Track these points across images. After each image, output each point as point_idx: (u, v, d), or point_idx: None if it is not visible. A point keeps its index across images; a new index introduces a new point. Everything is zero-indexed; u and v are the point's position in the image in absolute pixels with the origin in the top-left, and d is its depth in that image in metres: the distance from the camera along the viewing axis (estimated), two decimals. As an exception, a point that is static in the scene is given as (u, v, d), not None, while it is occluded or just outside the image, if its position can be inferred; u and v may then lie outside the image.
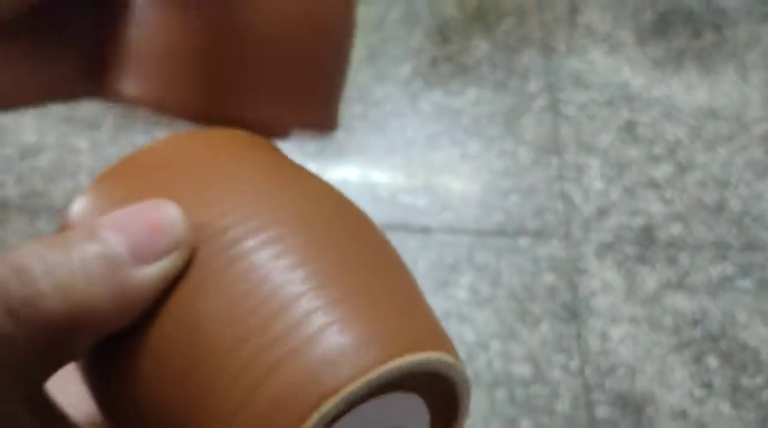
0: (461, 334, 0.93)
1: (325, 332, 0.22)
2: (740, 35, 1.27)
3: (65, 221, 0.25)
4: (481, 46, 1.20)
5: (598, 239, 1.02)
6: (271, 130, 0.31)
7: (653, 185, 1.07)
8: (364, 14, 1.23)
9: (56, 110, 1.09)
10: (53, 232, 0.98)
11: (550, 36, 1.23)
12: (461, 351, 0.92)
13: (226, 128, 0.29)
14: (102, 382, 0.25)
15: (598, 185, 1.07)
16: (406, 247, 1.00)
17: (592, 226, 1.03)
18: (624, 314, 0.96)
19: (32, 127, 1.08)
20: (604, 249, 1.01)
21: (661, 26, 1.26)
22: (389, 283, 0.25)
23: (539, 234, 1.02)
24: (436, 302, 0.96)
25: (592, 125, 1.12)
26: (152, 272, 0.23)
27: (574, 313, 0.96)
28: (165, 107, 0.30)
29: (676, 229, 1.04)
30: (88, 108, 1.10)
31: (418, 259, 0.99)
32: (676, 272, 1.00)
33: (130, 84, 0.31)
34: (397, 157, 1.08)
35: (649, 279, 0.99)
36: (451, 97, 1.14)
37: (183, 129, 0.31)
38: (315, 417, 0.21)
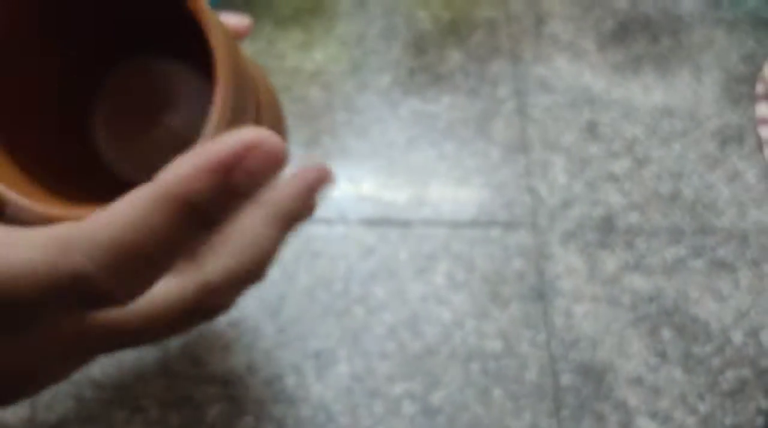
0: (439, 315, 1.03)
1: None
2: (695, 39, 1.38)
3: None
4: (454, 57, 1.31)
5: (562, 227, 1.12)
6: None
7: (612, 178, 1.18)
8: (346, 31, 1.34)
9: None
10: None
11: (518, 46, 1.34)
12: (439, 330, 1.02)
13: None
14: None
15: (562, 179, 1.17)
16: (388, 239, 1.10)
17: (557, 216, 1.13)
18: (586, 293, 1.06)
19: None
20: (568, 237, 1.11)
21: (621, 34, 1.37)
22: None
23: (509, 225, 1.12)
24: (416, 288, 1.06)
25: (556, 125, 1.23)
26: None
27: (540, 294, 1.06)
28: None
29: (633, 217, 1.14)
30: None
31: (400, 249, 1.09)
32: (634, 256, 1.10)
33: None
34: (379, 159, 1.18)
35: (609, 262, 1.09)
36: (427, 104, 1.25)
37: None
38: None
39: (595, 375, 0.99)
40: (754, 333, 1.04)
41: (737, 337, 1.04)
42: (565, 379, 0.99)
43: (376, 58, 1.30)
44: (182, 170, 0.28)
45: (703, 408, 0.98)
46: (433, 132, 1.21)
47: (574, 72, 1.30)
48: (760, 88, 1.30)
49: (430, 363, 1.00)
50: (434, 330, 1.02)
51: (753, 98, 1.30)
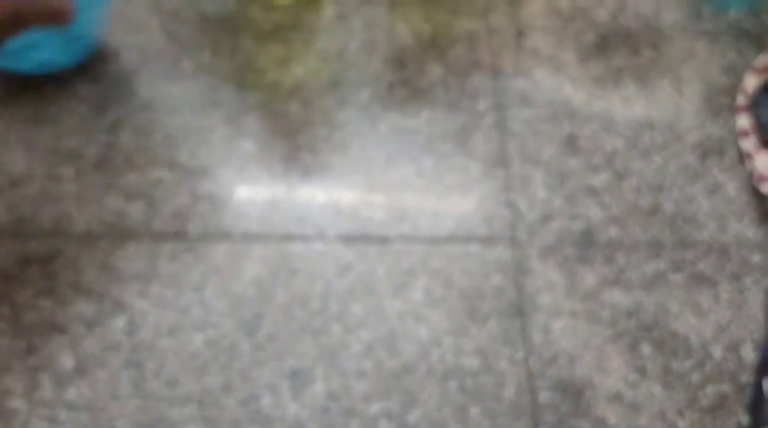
0: (417, 332, 1.03)
1: None
2: (676, 51, 1.38)
3: None
4: (434, 71, 1.31)
5: (541, 242, 1.12)
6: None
7: (592, 192, 1.17)
8: (326, 45, 1.34)
9: (42, 142, 1.19)
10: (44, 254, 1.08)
11: (498, 59, 1.33)
12: (416, 347, 1.01)
13: None
14: None
15: (542, 193, 1.16)
16: (366, 255, 1.09)
17: (536, 231, 1.13)
18: (565, 309, 1.05)
19: (20, 158, 1.17)
20: (547, 251, 1.11)
21: (602, 46, 1.37)
22: None
23: (487, 240, 1.11)
24: (394, 305, 1.05)
25: (536, 139, 1.22)
26: None
27: (519, 310, 1.05)
28: None
29: (613, 231, 1.13)
30: (72, 140, 1.20)
31: (378, 266, 1.08)
32: (613, 270, 1.10)
33: None
34: (358, 174, 1.18)
35: (588, 277, 1.09)
36: (407, 119, 1.24)
37: None
38: None
39: (573, 392, 0.99)
40: (734, 348, 1.04)
41: (717, 352, 1.03)
42: (544, 396, 0.98)
43: (355, 73, 1.30)
44: None
45: (682, 424, 0.97)
46: (413, 147, 1.21)
47: (555, 85, 1.30)
48: (740, 99, 1.29)
49: (407, 381, 0.99)
50: (411, 348, 1.01)
51: (734, 110, 1.30)
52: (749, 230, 1.14)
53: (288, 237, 1.10)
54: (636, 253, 1.11)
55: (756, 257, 1.12)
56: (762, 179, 1.17)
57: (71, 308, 1.04)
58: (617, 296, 1.07)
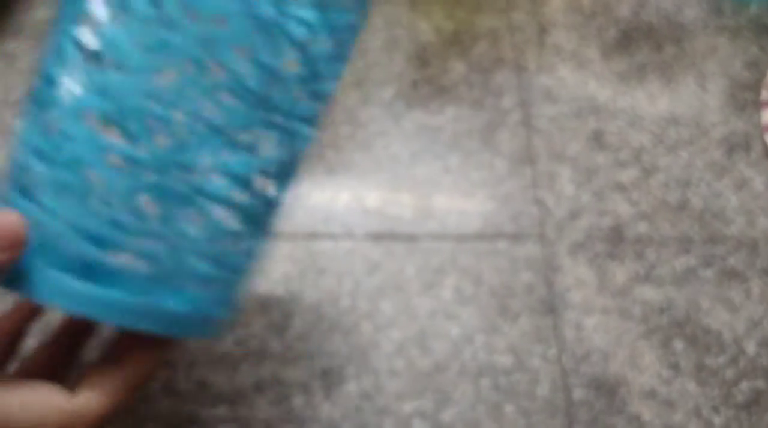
0: (448, 330, 1.02)
1: None
2: (698, 47, 1.37)
3: None
4: (457, 68, 1.30)
5: (570, 239, 1.11)
6: None
7: (620, 188, 1.16)
8: (348, 43, 1.33)
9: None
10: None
11: (521, 56, 1.33)
12: (448, 346, 1.01)
13: None
14: None
15: (569, 190, 1.16)
16: (394, 253, 1.08)
17: (565, 227, 1.12)
18: (596, 305, 1.05)
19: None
20: (577, 248, 1.10)
21: (624, 42, 1.36)
22: None
23: (516, 237, 1.11)
24: (424, 303, 1.04)
25: (562, 135, 1.22)
26: None
27: (550, 307, 1.04)
28: None
29: (642, 227, 1.13)
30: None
31: (406, 264, 1.07)
32: (644, 266, 1.09)
33: None
34: (383, 172, 1.17)
35: (619, 273, 1.08)
36: (431, 116, 1.23)
37: None
38: None
39: (607, 389, 0.98)
40: (767, 343, 1.03)
41: (750, 347, 1.02)
42: (578, 394, 0.98)
43: (378, 71, 1.30)
44: None
45: (717, 421, 0.96)
46: (438, 145, 1.20)
47: (579, 81, 1.29)
48: (765, 94, 1.29)
49: (439, 379, 0.98)
50: (443, 346, 1.01)
51: (758, 105, 1.29)
52: (779, 225, 1.14)
53: (314, 236, 1.10)
54: (666, 249, 1.11)
55: (787, 252, 1.11)
56: (791, 173, 1.16)
57: (99, 308, 1.03)
58: (648, 293, 1.06)
